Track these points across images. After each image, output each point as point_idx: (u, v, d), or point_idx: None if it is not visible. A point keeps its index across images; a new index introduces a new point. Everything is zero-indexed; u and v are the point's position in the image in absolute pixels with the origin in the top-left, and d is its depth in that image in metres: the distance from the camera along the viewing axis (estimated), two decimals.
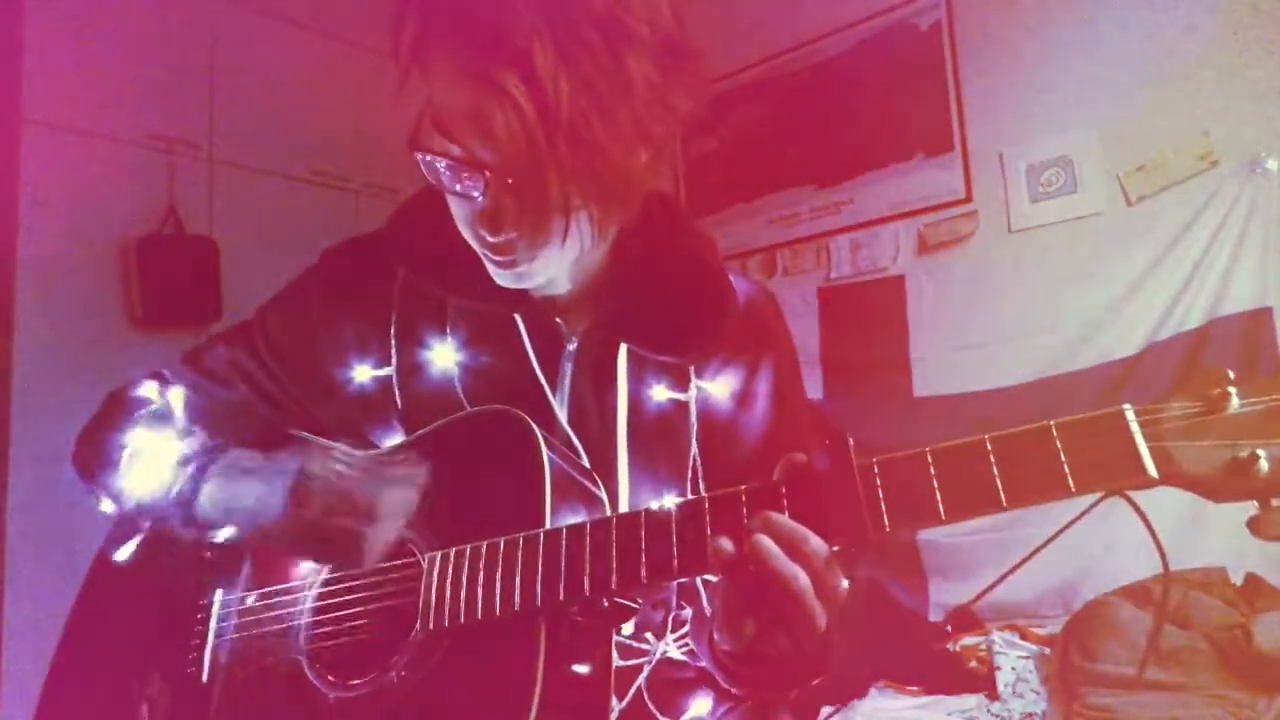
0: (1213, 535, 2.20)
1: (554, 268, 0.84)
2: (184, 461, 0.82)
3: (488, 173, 0.74)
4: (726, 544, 0.63)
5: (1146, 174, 2.58)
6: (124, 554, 0.89)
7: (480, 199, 0.76)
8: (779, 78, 3.38)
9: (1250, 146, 2.39)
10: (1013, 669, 2.20)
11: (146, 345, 2.56)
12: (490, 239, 0.78)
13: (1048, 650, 2.25)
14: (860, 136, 3.17)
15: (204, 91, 2.82)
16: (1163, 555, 0.63)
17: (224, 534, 0.80)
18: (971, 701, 2.14)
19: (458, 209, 0.81)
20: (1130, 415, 0.56)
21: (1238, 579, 2.17)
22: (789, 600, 0.62)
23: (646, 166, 0.78)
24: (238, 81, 2.87)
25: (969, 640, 2.40)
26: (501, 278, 0.84)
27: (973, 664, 2.28)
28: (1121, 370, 2.55)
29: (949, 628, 2.57)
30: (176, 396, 0.90)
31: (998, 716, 2.05)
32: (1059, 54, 2.73)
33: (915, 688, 2.28)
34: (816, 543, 0.62)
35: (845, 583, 0.65)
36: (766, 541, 0.62)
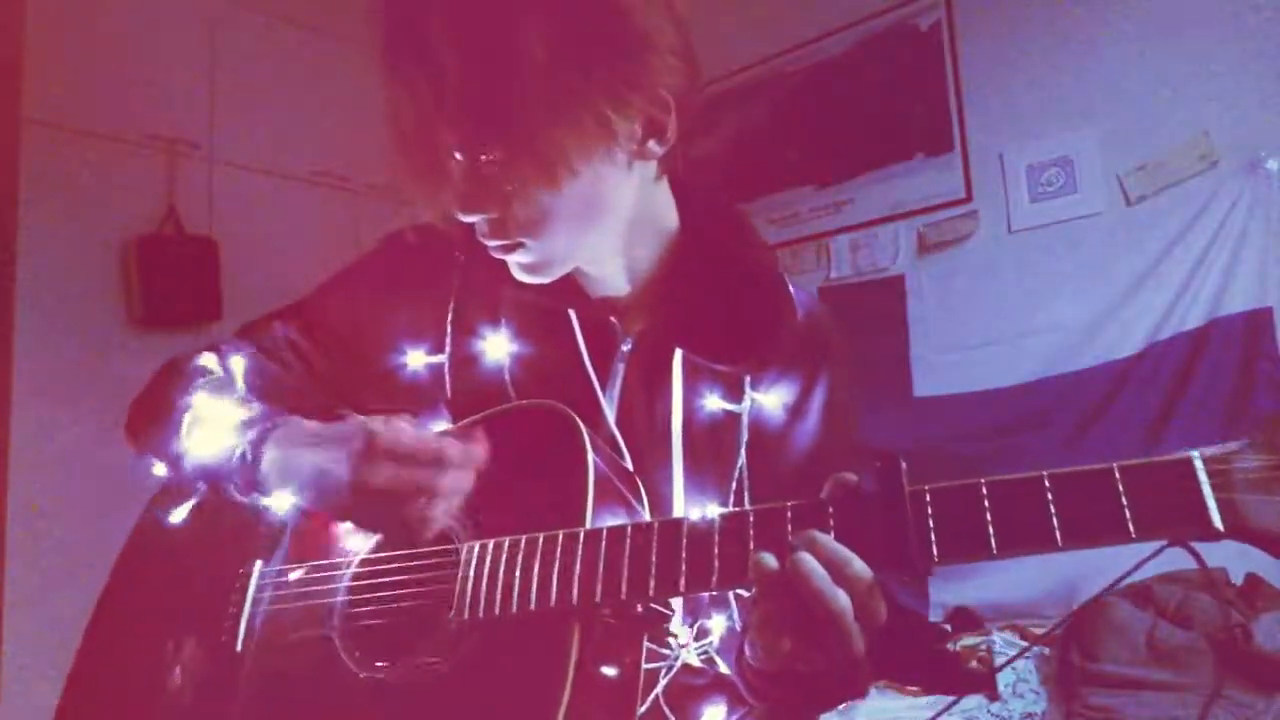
0: None
1: (553, 255, 0.83)
2: (246, 426, 0.83)
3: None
4: (770, 559, 0.62)
5: (1146, 174, 2.58)
6: (179, 516, 0.90)
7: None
8: (779, 78, 3.38)
9: (1250, 146, 2.39)
10: (1013, 669, 2.20)
11: (146, 345, 2.56)
12: (464, 219, 0.80)
13: (1048, 650, 2.25)
14: (860, 136, 3.17)
15: (204, 91, 2.82)
16: (1221, 603, 0.62)
17: (282, 500, 0.80)
18: (971, 702, 2.14)
19: None
20: (1199, 464, 0.54)
21: (1238, 579, 2.17)
22: (829, 623, 0.61)
23: (585, 133, 0.77)
24: (238, 81, 2.87)
25: (969, 640, 2.40)
26: (514, 269, 0.85)
27: (973, 664, 2.28)
28: (1121, 370, 2.55)
29: (949, 628, 2.57)
30: (237, 364, 0.91)
31: (998, 716, 2.05)
32: (1059, 54, 2.73)
33: (915, 688, 2.28)
34: (860, 567, 0.60)
35: (885, 609, 0.63)
36: (810, 561, 0.60)
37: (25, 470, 2.29)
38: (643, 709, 0.80)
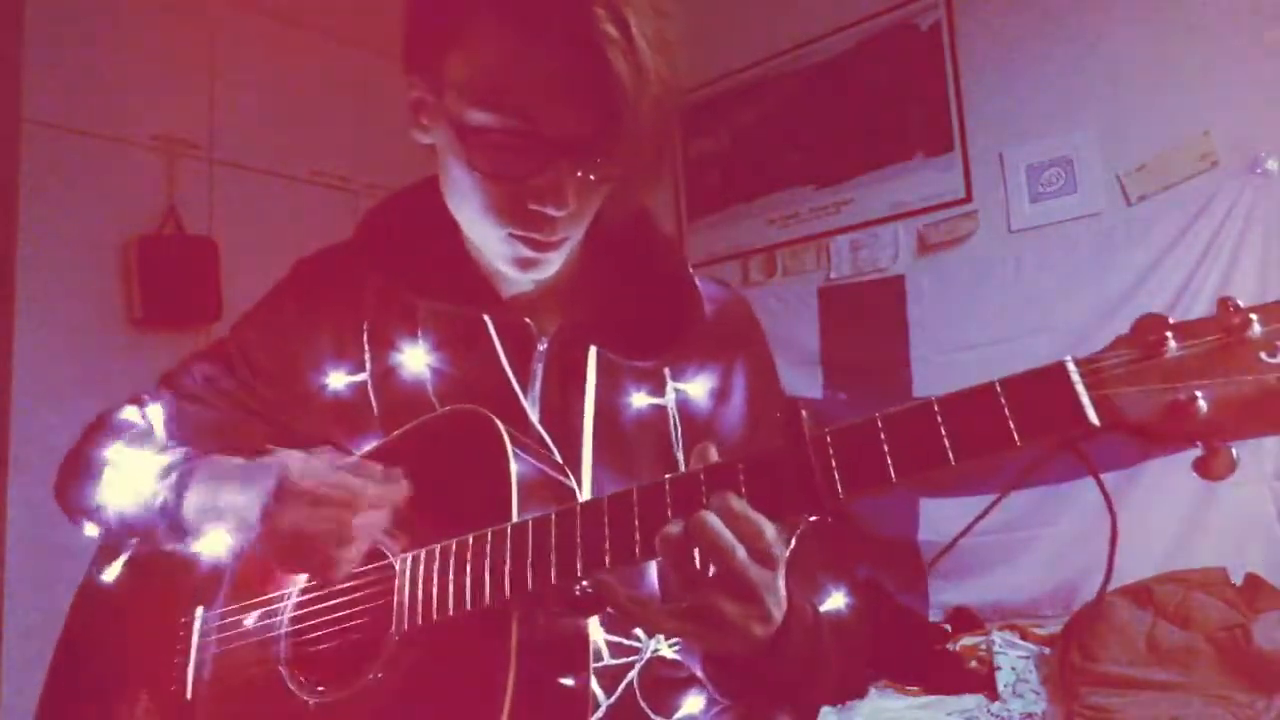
0: (1213, 535, 2.20)
1: (568, 251, 0.85)
2: (165, 473, 0.83)
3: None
4: (673, 529, 0.63)
5: (1146, 174, 2.58)
6: (110, 574, 0.90)
7: (541, 176, 0.75)
8: (779, 78, 3.38)
9: (1250, 146, 2.39)
10: (1013, 669, 2.20)
11: (146, 345, 2.56)
12: (553, 213, 0.77)
13: (1048, 650, 2.25)
14: (860, 136, 3.17)
15: (204, 91, 2.82)
16: (1108, 500, 0.64)
17: (209, 540, 0.80)
18: (971, 701, 2.14)
19: (489, 194, 0.79)
20: (1071, 366, 0.57)
21: (1238, 579, 2.17)
22: (729, 570, 0.63)
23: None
24: (238, 81, 2.87)
25: (969, 640, 2.40)
26: (528, 268, 0.84)
27: (973, 664, 2.28)
28: None
29: (949, 628, 2.57)
30: (155, 414, 0.91)
31: (998, 716, 2.06)
32: (1059, 54, 2.73)
33: (915, 688, 2.28)
34: (764, 524, 0.63)
35: (785, 551, 0.65)
36: (711, 517, 0.62)
37: (25, 470, 2.29)
38: (614, 700, 0.81)
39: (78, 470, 0.90)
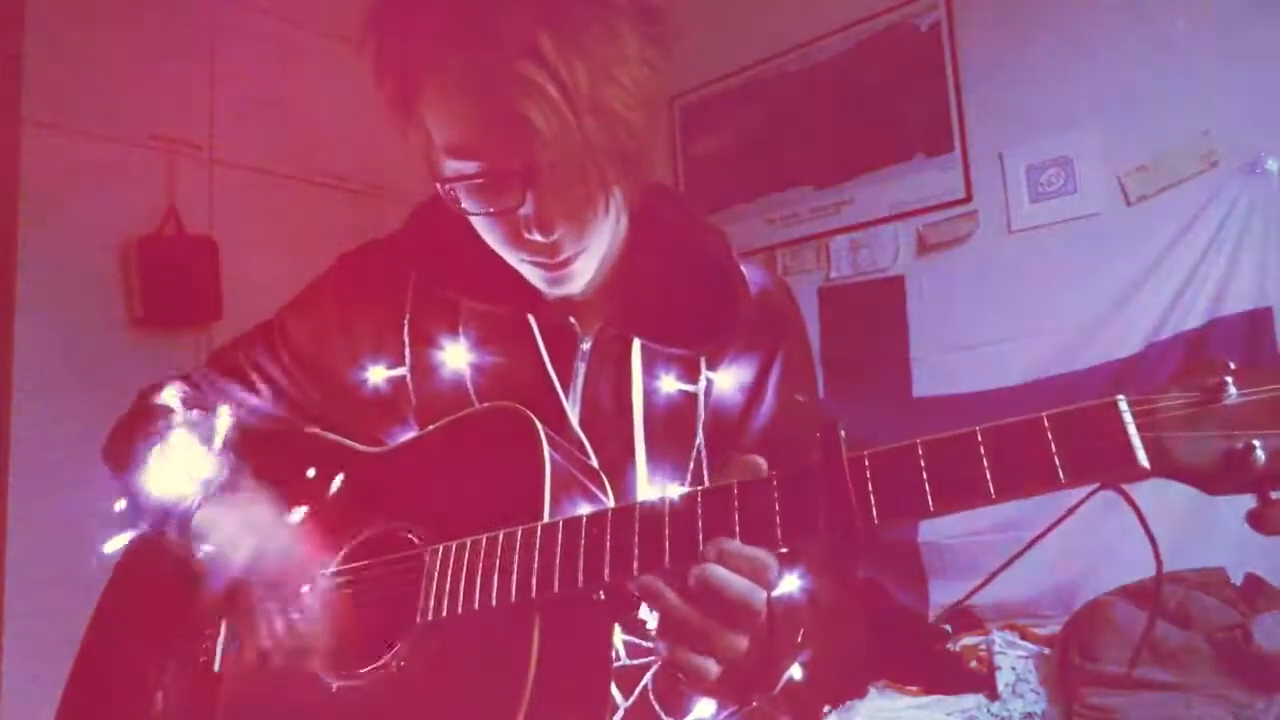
0: (1213, 535, 2.20)
1: (595, 260, 0.85)
2: (206, 482, 0.86)
3: (523, 177, 0.75)
4: (650, 580, 0.65)
5: (1146, 174, 2.58)
6: (111, 548, 0.94)
7: (523, 207, 0.76)
8: (779, 78, 3.38)
9: (1250, 146, 2.39)
10: (1013, 669, 2.20)
11: (146, 345, 2.56)
12: (544, 240, 0.79)
13: (1048, 650, 2.25)
14: (860, 136, 3.17)
15: (204, 91, 2.82)
16: (1155, 548, 0.62)
17: (205, 550, 0.84)
18: (971, 701, 2.14)
19: (494, 229, 0.81)
20: (1124, 406, 0.55)
21: (1238, 579, 2.17)
22: (743, 614, 0.64)
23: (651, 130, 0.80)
24: (238, 81, 2.87)
25: (969, 640, 2.39)
26: (554, 285, 0.85)
27: (973, 664, 2.28)
28: (1121, 370, 2.55)
29: (949, 628, 2.56)
30: (223, 422, 0.93)
31: (998, 716, 2.05)
32: (1059, 54, 2.73)
33: (915, 688, 2.28)
34: (769, 560, 0.64)
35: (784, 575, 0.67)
36: (720, 572, 0.63)
37: (25, 471, 2.29)
38: (629, 703, 0.81)
39: (125, 449, 0.93)
